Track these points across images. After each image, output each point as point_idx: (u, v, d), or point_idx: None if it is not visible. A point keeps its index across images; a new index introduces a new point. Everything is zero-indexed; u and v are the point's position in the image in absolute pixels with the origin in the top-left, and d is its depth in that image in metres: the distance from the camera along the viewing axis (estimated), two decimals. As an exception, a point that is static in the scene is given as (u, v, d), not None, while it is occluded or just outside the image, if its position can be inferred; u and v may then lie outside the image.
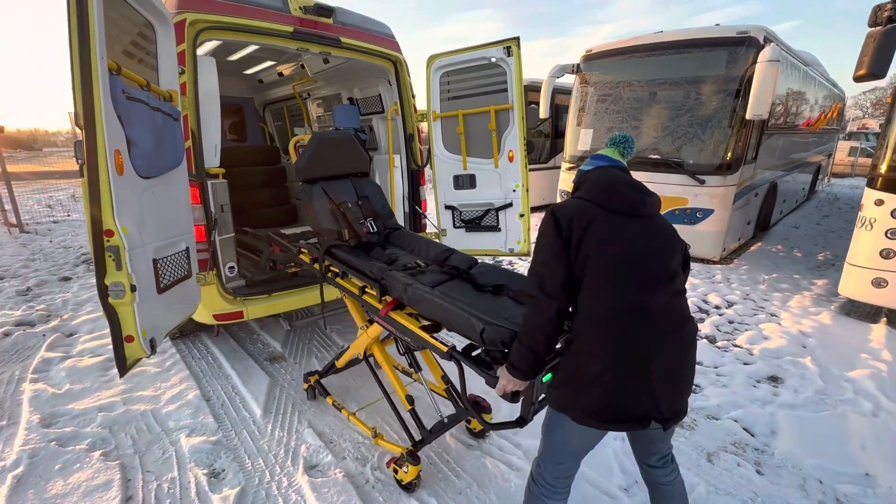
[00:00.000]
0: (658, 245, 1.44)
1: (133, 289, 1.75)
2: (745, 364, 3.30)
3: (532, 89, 7.71)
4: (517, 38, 3.33)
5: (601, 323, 1.37)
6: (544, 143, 9.27)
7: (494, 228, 3.80)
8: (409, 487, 2.09)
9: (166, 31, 2.31)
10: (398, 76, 3.72)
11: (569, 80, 6.69)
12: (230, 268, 3.01)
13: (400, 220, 4.04)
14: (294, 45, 3.05)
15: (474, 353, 1.73)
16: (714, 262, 5.75)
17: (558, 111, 8.77)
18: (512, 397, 1.52)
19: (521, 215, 3.68)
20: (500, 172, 3.68)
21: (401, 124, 3.83)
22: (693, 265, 5.62)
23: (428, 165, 3.91)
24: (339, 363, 2.65)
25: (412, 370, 2.25)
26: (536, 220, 8.54)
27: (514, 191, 3.65)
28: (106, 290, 1.70)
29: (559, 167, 7.02)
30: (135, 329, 1.78)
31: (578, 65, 6.39)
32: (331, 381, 2.93)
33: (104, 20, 1.70)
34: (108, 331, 2.03)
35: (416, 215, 3.98)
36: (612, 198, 1.45)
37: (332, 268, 2.45)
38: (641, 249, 1.40)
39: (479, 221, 3.84)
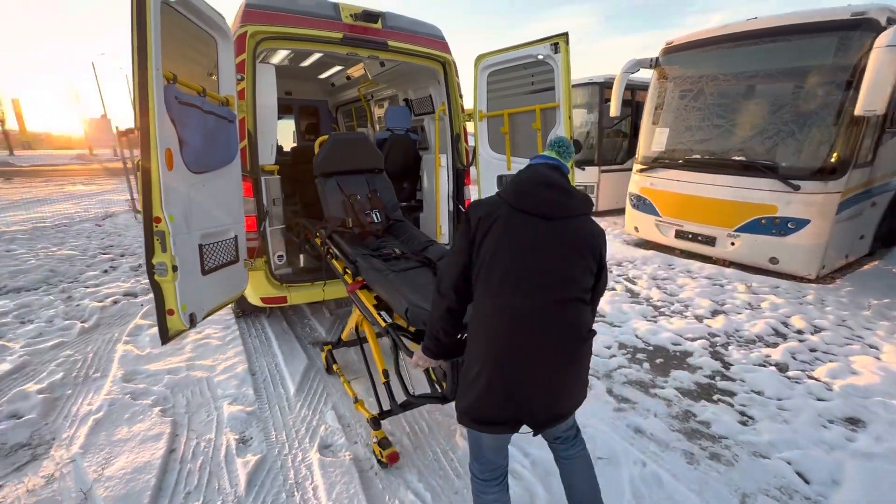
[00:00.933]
0: (561, 250, 1.39)
1: (175, 269, 2.01)
2: (818, 400, 2.84)
3: (610, 86, 7.31)
4: (565, 35, 3.20)
5: (481, 325, 1.42)
6: (621, 143, 8.73)
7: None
8: (385, 464, 2.22)
9: (227, 45, 2.61)
10: (446, 77, 3.77)
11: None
12: (279, 256, 3.31)
13: (444, 218, 4.10)
14: (344, 50, 3.25)
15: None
16: (808, 280, 4.99)
17: (639, 109, 8.20)
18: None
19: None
20: (544, 173, 3.56)
21: (448, 124, 3.89)
22: (780, 282, 4.94)
23: (473, 165, 3.92)
24: (344, 336, 3.03)
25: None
26: (607, 224, 7.99)
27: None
28: (152, 269, 1.98)
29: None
30: (175, 304, 2.04)
31: (657, 59, 5.92)
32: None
33: (172, 36, 1.99)
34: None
35: (459, 214, 4.01)
36: (523, 198, 1.43)
37: (330, 250, 2.85)
38: (537, 252, 1.39)
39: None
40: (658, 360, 3.37)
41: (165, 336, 2.07)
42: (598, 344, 3.56)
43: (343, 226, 2.97)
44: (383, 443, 2.24)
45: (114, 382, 2.99)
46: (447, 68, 3.76)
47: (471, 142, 3.98)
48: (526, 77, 3.50)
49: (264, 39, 2.95)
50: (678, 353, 3.48)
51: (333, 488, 2.10)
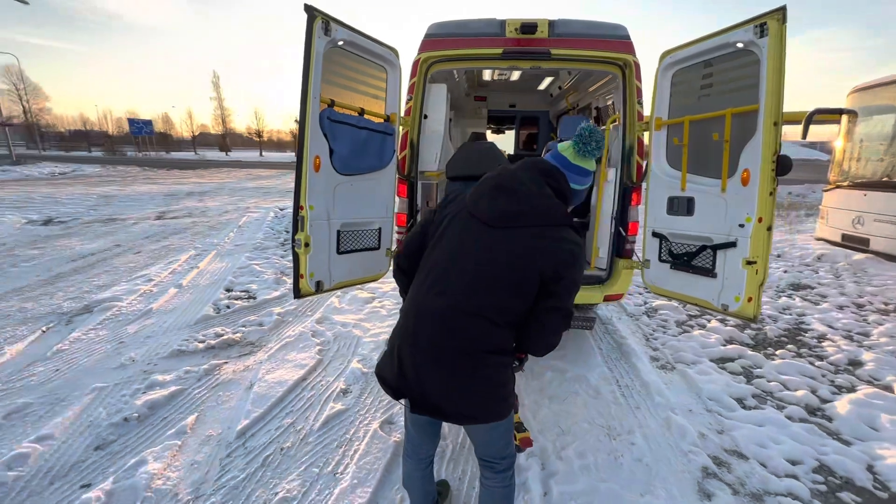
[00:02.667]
0: (491, 261, 1.35)
1: (307, 245, 2.70)
2: None
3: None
4: (781, 9, 2.29)
5: (406, 301, 1.53)
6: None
7: (708, 272, 2.82)
8: (519, 448, 2.13)
9: (394, 73, 3.17)
10: (625, 80, 3.30)
11: None
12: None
13: (604, 240, 3.64)
14: (505, 64, 3.33)
15: None
16: None
17: None
18: None
19: (750, 262, 2.56)
20: (726, 198, 2.68)
21: (622, 134, 3.40)
22: None
23: (644, 182, 3.30)
24: None
25: None
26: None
27: (741, 226, 2.58)
28: (293, 242, 2.72)
29: None
30: (305, 271, 2.74)
31: None
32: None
33: (341, 68, 2.72)
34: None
35: (620, 238, 3.47)
36: (473, 198, 1.44)
37: None
38: (466, 257, 1.38)
39: (689, 259, 2.94)
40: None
41: (297, 293, 2.80)
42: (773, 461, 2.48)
43: None
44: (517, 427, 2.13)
45: (311, 322, 4.16)
46: (626, 71, 3.28)
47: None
48: (718, 74, 2.70)
49: (434, 63, 3.39)
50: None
51: (364, 457, 2.38)
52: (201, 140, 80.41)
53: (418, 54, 3.35)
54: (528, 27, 3.14)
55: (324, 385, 3.12)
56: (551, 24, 3.22)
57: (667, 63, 2.96)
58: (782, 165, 2.40)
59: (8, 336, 3.77)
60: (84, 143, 64.37)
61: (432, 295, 1.40)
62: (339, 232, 2.90)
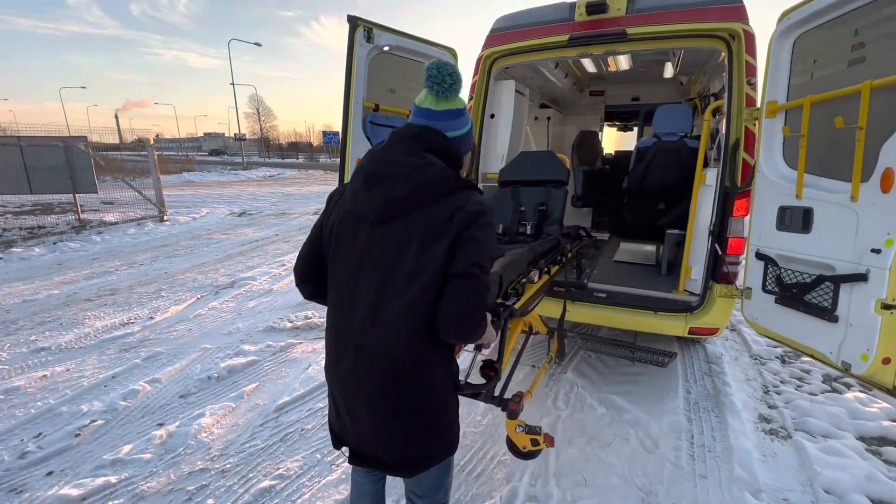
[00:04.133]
0: (386, 262, 1.14)
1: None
2: None
3: None
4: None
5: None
6: None
7: (825, 313, 2.00)
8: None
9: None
10: (731, 57, 2.57)
11: None
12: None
13: (698, 258, 2.92)
14: (574, 52, 2.92)
15: None
16: None
17: None
18: None
19: (889, 306, 1.73)
20: (858, 211, 1.86)
21: (725, 126, 2.66)
22: None
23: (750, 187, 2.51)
24: None
25: None
26: None
27: (876, 251, 1.76)
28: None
29: None
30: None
31: None
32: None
33: (387, 72, 2.82)
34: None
35: (717, 258, 2.72)
36: (351, 199, 1.22)
37: None
38: (361, 268, 1.18)
39: (801, 292, 2.13)
40: None
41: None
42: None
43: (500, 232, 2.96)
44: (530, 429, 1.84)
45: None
46: (732, 45, 2.54)
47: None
48: (861, 32, 1.88)
49: (498, 58, 3.20)
50: None
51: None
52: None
53: (481, 51, 3.22)
54: (596, 6, 2.72)
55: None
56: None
57: (786, 25, 2.22)
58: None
59: (176, 299, 4.96)
60: (295, 152, 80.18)
61: (339, 319, 1.23)
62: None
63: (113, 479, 2.26)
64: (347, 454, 1.32)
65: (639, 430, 2.64)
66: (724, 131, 2.67)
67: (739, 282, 2.63)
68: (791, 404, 2.90)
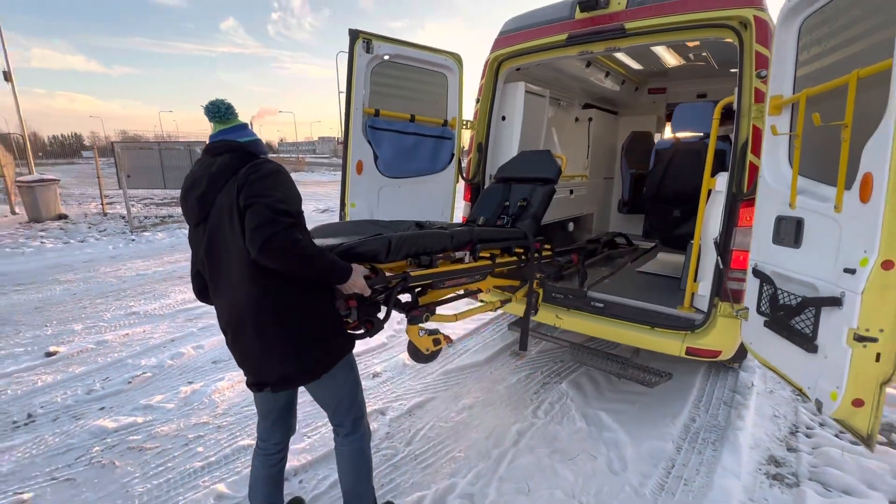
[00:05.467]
0: (221, 246, 1.48)
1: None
2: None
3: None
4: None
5: None
6: None
7: (806, 340, 1.71)
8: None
9: (454, 79, 3.19)
10: (741, 45, 2.27)
11: None
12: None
13: (707, 272, 2.62)
14: (573, 51, 2.80)
15: None
16: None
17: None
18: None
19: (861, 338, 1.44)
20: (841, 220, 1.57)
21: (735, 124, 2.36)
22: None
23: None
24: None
25: None
26: None
27: (849, 271, 1.47)
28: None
29: None
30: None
31: None
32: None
33: (389, 79, 3.02)
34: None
35: (721, 273, 2.42)
36: (184, 213, 1.58)
37: None
38: (212, 261, 1.52)
39: (788, 316, 1.84)
40: None
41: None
42: None
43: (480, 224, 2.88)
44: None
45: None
46: (742, 33, 2.24)
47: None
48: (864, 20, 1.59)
49: (504, 61, 3.19)
50: None
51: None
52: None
53: (489, 54, 3.26)
54: (589, 3, 2.61)
55: (365, 365, 3.49)
56: (629, -8, 2.57)
57: (790, 7, 1.95)
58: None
59: (243, 281, 5.74)
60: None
61: (215, 300, 1.58)
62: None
63: (140, 419, 2.77)
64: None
65: (613, 450, 2.47)
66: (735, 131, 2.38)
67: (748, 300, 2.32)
68: (818, 450, 2.46)
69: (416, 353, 2.08)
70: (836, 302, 1.55)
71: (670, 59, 4.09)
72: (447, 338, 2.12)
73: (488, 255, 2.40)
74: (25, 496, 2.16)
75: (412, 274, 1.88)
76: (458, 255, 2.30)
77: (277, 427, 1.79)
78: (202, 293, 1.66)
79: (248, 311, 1.45)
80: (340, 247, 1.72)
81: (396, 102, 3.17)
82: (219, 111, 1.53)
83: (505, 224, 2.71)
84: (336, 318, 1.60)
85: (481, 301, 2.96)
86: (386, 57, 3.02)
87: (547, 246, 2.91)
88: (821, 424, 2.73)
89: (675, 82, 5.27)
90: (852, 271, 1.48)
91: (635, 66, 4.38)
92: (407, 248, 1.82)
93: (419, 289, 2.13)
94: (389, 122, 3.15)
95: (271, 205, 1.34)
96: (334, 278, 1.51)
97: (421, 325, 2.01)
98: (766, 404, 2.93)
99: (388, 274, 1.79)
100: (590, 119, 4.85)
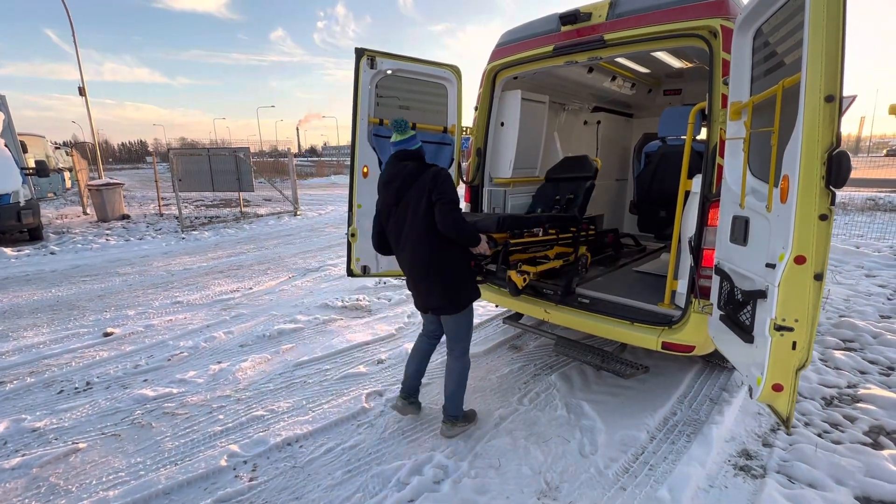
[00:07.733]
0: (412, 209, 2.36)
1: (353, 235, 3.43)
2: None
3: None
4: None
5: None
6: None
7: (745, 331, 1.83)
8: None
9: (452, 89, 3.43)
10: (711, 54, 2.37)
11: None
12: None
13: (681, 271, 2.72)
14: (560, 61, 2.97)
15: None
16: None
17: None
18: None
19: (780, 328, 1.56)
20: (771, 219, 1.69)
21: (708, 128, 2.45)
22: None
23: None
24: None
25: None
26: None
27: (770, 266, 1.59)
28: (348, 233, 3.49)
29: None
30: (353, 256, 3.48)
31: None
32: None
33: (393, 91, 3.33)
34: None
35: (695, 276, 2.52)
36: (381, 201, 2.53)
37: None
38: (398, 218, 2.44)
39: (735, 310, 1.95)
40: None
41: (349, 273, 3.58)
42: None
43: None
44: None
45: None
46: (711, 42, 2.34)
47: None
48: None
49: (500, 71, 3.40)
50: None
51: (334, 408, 2.93)
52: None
53: (486, 65, 3.49)
54: (569, 17, 2.79)
55: (372, 352, 3.80)
56: (612, 4, 2.73)
57: (743, 17, 2.08)
58: (838, 170, 1.44)
59: (275, 276, 6.24)
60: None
61: (399, 250, 2.51)
62: (386, 227, 3.47)
63: (174, 390, 3.22)
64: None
65: (587, 435, 2.63)
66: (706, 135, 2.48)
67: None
68: (794, 447, 2.50)
69: (514, 288, 3.03)
70: (763, 295, 1.68)
71: (674, 62, 4.14)
72: (529, 276, 3.12)
73: (554, 231, 3.40)
74: (81, 445, 2.62)
75: (511, 241, 3.02)
76: (535, 230, 3.32)
77: (433, 324, 2.73)
78: (381, 247, 2.65)
79: (423, 262, 2.37)
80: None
81: (399, 112, 3.46)
82: (400, 126, 2.45)
83: (558, 213, 3.53)
84: (472, 272, 2.56)
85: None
86: (389, 72, 3.31)
87: (592, 227, 3.81)
88: (806, 424, 2.75)
89: (691, 84, 5.24)
90: (773, 266, 1.61)
91: (641, 69, 4.44)
92: (509, 224, 2.94)
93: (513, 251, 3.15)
94: (390, 129, 3.43)
95: (452, 200, 2.29)
96: (473, 242, 2.43)
97: (516, 270, 3.04)
98: (753, 404, 2.96)
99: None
100: (598, 122, 4.94)
